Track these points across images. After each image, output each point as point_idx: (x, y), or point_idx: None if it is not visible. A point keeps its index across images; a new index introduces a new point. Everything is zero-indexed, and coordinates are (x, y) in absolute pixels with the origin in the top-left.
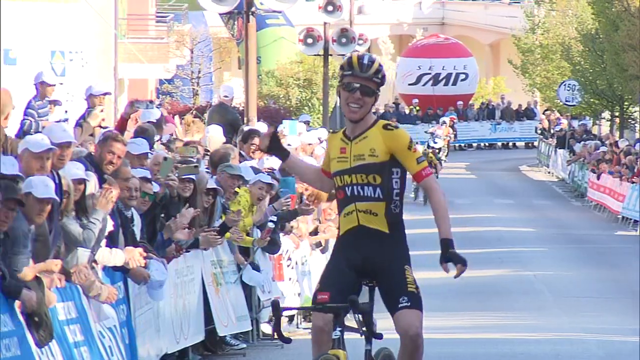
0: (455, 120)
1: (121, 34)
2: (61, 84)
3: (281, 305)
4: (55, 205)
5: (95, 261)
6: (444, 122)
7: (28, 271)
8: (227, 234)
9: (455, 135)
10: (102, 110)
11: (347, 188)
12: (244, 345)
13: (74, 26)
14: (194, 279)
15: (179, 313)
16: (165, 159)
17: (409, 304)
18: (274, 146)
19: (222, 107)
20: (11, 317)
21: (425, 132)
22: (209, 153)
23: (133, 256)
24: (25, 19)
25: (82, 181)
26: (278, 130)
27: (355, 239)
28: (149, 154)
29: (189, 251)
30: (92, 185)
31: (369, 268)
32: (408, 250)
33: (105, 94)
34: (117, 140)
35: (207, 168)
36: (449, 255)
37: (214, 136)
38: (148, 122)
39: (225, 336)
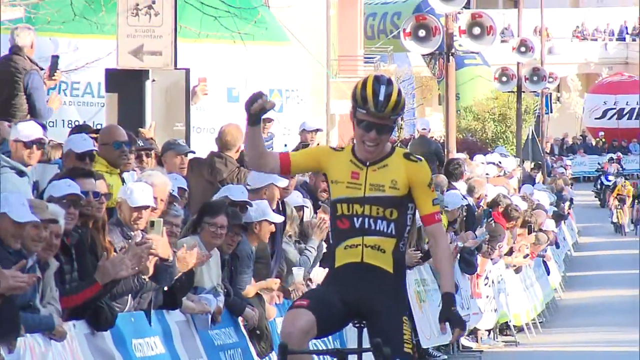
0: (621, 157)
1: (333, 73)
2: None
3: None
4: (278, 229)
5: (310, 279)
6: (612, 159)
7: (250, 289)
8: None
9: (623, 169)
10: (318, 144)
11: (355, 219)
12: (445, 357)
13: (291, 67)
14: None
15: None
16: None
17: None
18: (259, 114)
19: (422, 139)
20: (235, 330)
21: (597, 170)
22: None
23: None
24: (246, 61)
25: (301, 208)
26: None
27: (354, 276)
28: None
29: None
30: (309, 212)
31: (362, 308)
32: (407, 292)
33: (317, 130)
34: None
35: None
36: (449, 315)
37: None
38: None
39: (427, 348)
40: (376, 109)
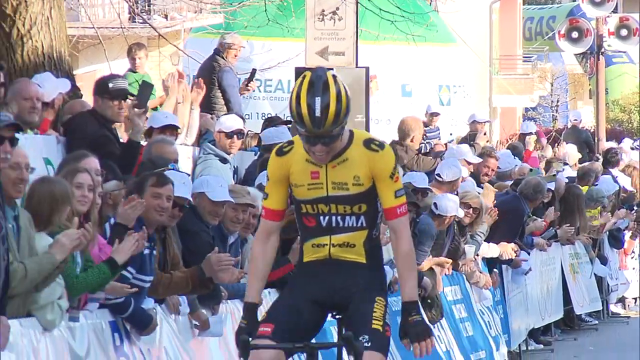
0: None
1: (495, 71)
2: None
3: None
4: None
5: (476, 254)
6: None
7: (426, 263)
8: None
9: None
10: (485, 134)
11: (322, 217)
12: (596, 322)
13: (457, 65)
14: (555, 268)
15: (543, 295)
16: (530, 170)
17: (369, 344)
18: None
19: (574, 129)
20: None
21: None
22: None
23: (506, 250)
24: (417, 59)
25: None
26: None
27: (323, 271)
28: (515, 167)
29: (550, 245)
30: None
31: (338, 300)
32: (384, 275)
33: (487, 122)
34: (492, 157)
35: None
36: (407, 328)
37: (571, 153)
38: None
39: (580, 314)
40: (314, 127)
